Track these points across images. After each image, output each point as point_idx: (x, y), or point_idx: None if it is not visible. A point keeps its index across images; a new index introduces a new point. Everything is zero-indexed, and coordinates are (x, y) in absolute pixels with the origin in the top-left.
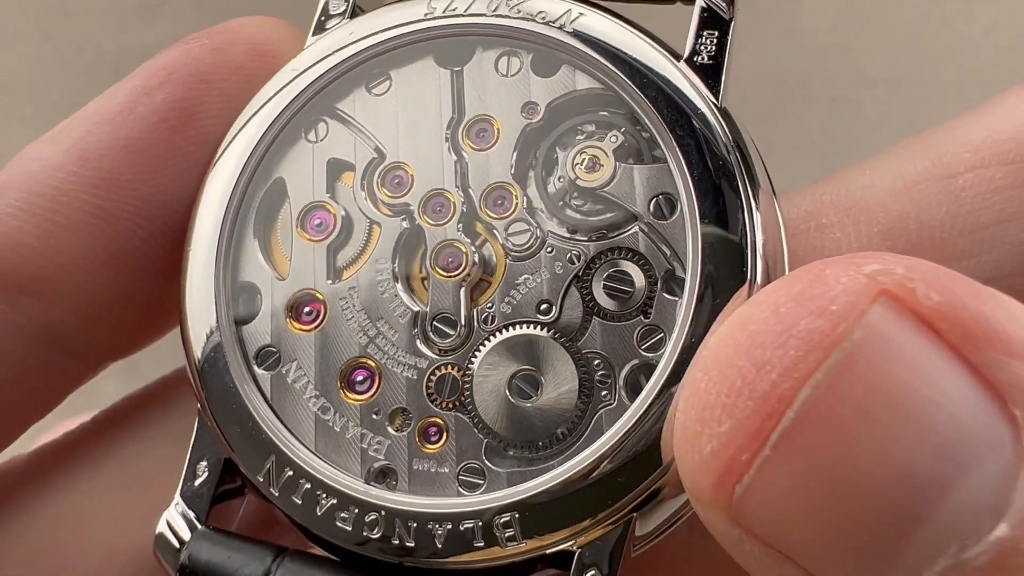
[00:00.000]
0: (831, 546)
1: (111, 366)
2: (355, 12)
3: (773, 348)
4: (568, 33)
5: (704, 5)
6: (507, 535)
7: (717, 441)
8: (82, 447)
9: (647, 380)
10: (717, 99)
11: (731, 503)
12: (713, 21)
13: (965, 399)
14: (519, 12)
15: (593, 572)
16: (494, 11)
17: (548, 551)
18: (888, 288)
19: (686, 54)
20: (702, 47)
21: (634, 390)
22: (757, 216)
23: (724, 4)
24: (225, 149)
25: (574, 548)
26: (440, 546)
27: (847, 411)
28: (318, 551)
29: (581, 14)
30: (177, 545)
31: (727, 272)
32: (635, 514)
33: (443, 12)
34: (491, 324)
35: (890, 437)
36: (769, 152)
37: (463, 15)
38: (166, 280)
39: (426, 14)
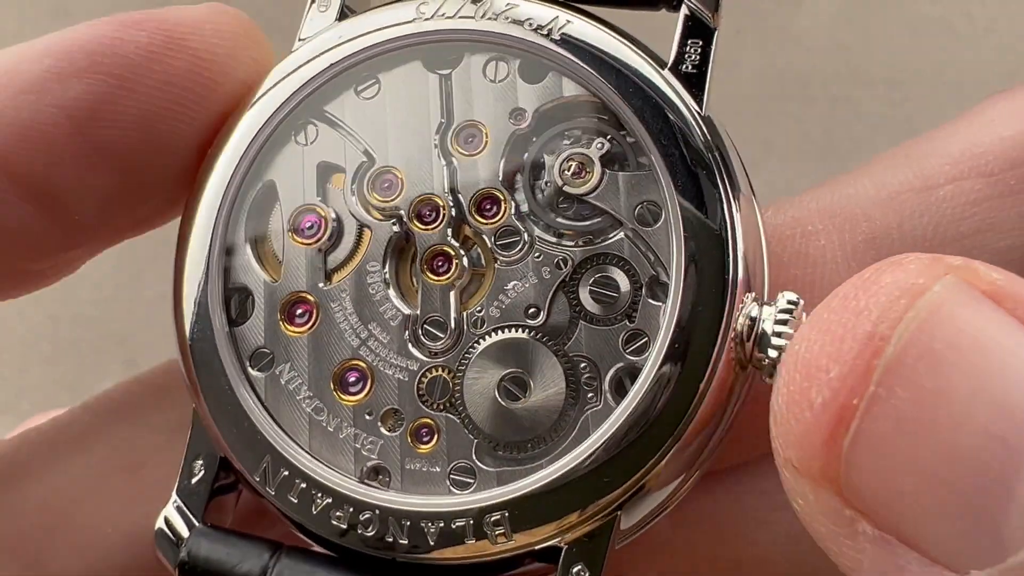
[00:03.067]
0: (941, 500)
1: (110, 365)
2: (344, 14)
3: (867, 298)
4: (555, 40)
5: (689, 13)
6: (497, 532)
7: (828, 388)
8: (71, 431)
9: (631, 382)
10: (701, 107)
11: (840, 468)
12: (698, 30)
13: None
14: (507, 18)
15: (580, 566)
16: (483, 16)
17: (536, 547)
18: (953, 266)
19: (670, 62)
20: (686, 56)
21: (619, 392)
22: (738, 223)
23: (709, 13)
24: (217, 150)
25: (562, 544)
26: (432, 543)
27: (940, 346)
28: (314, 547)
29: (569, 21)
30: (176, 541)
31: (709, 278)
32: (620, 511)
33: (432, 16)
34: (480, 328)
35: (983, 372)
36: (769, 152)
37: (451, 19)
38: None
39: (415, 18)
